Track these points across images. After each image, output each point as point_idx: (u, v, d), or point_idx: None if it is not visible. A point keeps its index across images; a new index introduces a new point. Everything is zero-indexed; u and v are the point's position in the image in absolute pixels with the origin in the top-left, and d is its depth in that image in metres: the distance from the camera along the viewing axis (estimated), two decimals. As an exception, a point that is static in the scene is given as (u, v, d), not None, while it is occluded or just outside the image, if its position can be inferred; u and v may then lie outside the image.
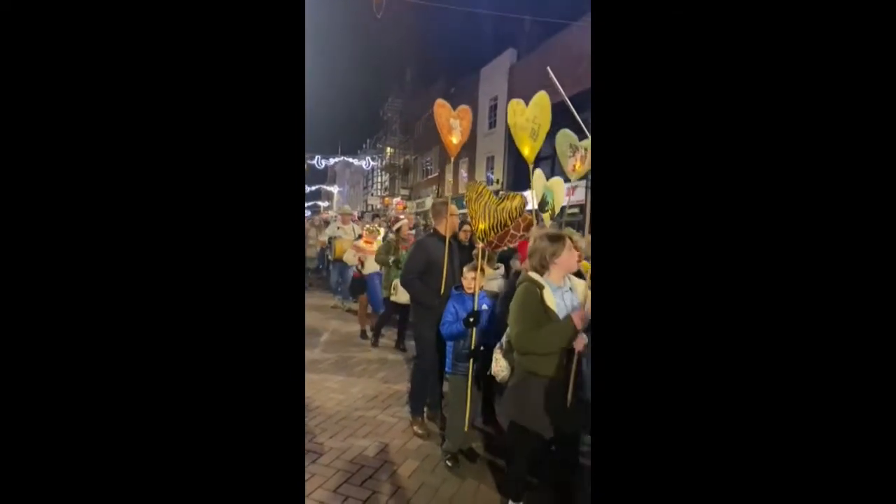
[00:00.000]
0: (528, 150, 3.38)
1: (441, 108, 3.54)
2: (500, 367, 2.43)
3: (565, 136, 4.11)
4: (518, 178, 15.88)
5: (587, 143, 3.86)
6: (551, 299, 2.06)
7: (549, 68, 4.14)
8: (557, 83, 3.61)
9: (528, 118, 3.31)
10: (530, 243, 2.24)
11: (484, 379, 2.88)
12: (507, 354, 2.38)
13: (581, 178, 4.11)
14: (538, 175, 3.69)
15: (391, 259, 4.94)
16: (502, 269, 3.90)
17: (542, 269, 2.13)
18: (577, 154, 3.99)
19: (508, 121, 3.46)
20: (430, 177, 25.41)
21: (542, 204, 3.57)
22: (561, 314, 2.06)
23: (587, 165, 3.80)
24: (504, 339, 2.44)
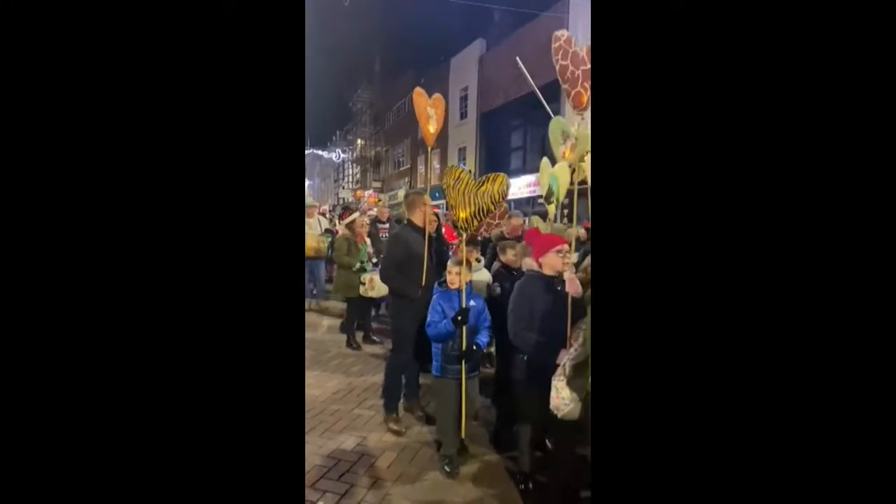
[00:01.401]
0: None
1: (419, 96, 3.49)
2: (561, 398, 1.94)
3: (558, 123, 4.07)
4: (490, 168, 15.93)
5: (578, 131, 3.84)
6: None
7: (518, 59, 4.16)
8: (527, 74, 3.63)
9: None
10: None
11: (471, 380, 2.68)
12: (572, 382, 1.90)
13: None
14: (545, 164, 3.60)
15: (356, 264, 4.78)
16: (483, 260, 3.87)
17: None
18: (567, 142, 3.96)
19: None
20: (401, 169, 25.23)
21: (549, 194, 3.44)
22: None
23: (576, 154, 3.79)
24: (567, 362, 1.98)
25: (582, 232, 2.97)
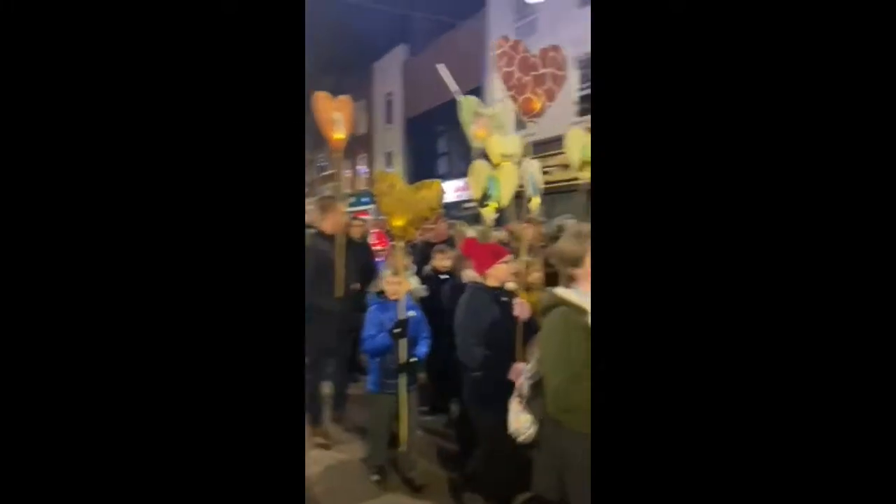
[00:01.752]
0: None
1: (322, 100, 3.19)
2: (521, 423, 1.81)
3: (469, 102, 3.87)
4: (419, 174, 15.96)
5: (492, 110, 3.68)
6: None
7: (440, 65, 4.21)
8: (450, 80, 3.67)
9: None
10: (556, 244, 1.68)
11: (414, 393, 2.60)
12: (530, 404, 1.82)
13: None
14: (478, 166, 3.22)
15: None
16: (414, 267, 3.82)
17: (569, 284, 1.57)
18: (479, 121, 3.80)
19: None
20: (325, 174, 24.63)
21: (484, 198, 3.10)
22: None
23: (489, 132, 3.61)
24: (524, 382, 1.88)
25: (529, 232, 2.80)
